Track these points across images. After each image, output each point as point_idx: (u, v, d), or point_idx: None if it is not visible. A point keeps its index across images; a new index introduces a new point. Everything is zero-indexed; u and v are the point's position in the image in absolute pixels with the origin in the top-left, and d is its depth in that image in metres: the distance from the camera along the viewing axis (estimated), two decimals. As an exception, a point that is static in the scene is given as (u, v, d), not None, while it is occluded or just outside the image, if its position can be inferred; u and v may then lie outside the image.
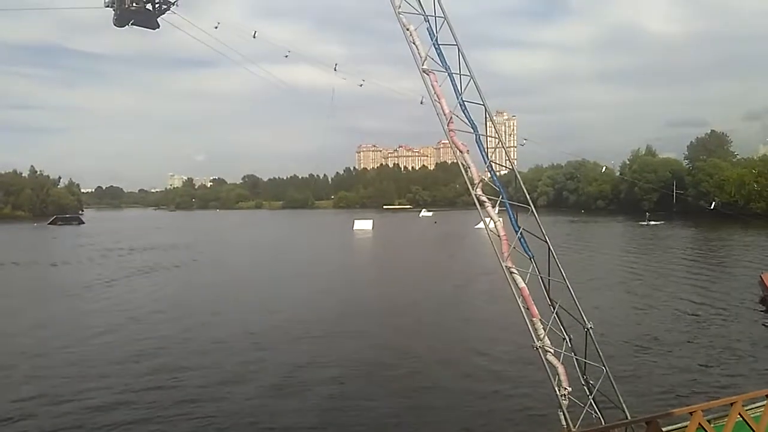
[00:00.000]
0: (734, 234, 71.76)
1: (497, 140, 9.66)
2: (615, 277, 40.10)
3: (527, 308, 8.92)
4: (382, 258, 62.04)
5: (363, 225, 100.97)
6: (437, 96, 9.30)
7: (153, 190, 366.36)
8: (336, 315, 28.76)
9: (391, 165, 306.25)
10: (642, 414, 9.68)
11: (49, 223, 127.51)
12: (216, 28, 13.71)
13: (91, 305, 32.99)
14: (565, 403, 8.82)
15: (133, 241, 77.51)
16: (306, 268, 49.65)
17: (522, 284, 8.96)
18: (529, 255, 9.19)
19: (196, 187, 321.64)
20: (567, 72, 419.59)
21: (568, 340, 9.10)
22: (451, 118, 9.29)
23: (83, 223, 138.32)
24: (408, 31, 9.39)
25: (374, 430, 15.24)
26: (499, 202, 9.28)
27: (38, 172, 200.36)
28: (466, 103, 9.31)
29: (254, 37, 13.75)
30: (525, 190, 9.45)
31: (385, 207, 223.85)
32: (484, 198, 9.17)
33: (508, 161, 10.37)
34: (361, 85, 13.97)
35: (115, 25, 12.87)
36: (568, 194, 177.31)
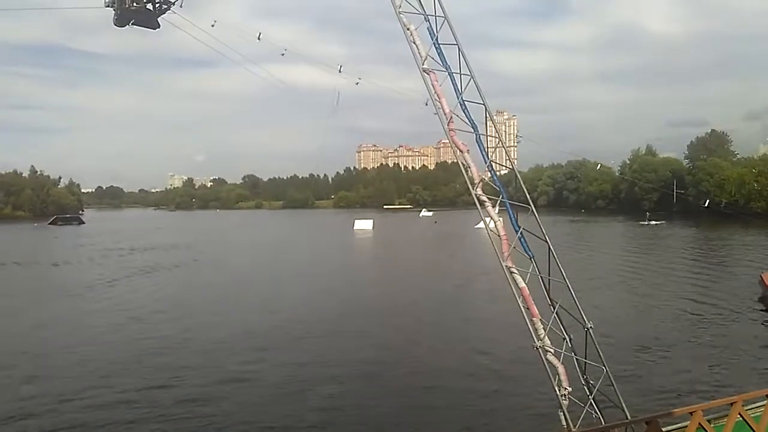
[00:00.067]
0: (734, 233, 71.73)
1: (497, 140, 9.65)
2: (615, 277, 40.10)
3: (527, 308, 8.92)
4: (382, 258, 62.04)
5: (363, 225, 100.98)
6: (437, 95, 9.30)
7: (153, 190, 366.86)
8: (336, 315, 28.77)
9: (391, 165, 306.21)
10: (642, 414, 9.68)
11: (49, 223, 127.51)
12: (213, 26, 13.67)
13: (92, 305, 33.01)
14: (565, 403, 8.82)
15: (134, 241, 77.53)
16: (306, 268, 49.66)
17: (522, 284, 8.96)
18: (529, 255, 9.18)
19: (196, 187, 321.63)
20: (567, 72, 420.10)
21: (568, 340, 9.10)
22: (451, 117, 9.29)
23: (83, 223, 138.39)
24: (408, 31, 9.39)
25: (374, 430, 15.25)
26: (499, 201, 9.28)
27: (38, 173, 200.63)
28: (466, 102, 9.31)
29: (259, 39, 13.68)
30: (525, 190, 9.45)
31: (385, 207, 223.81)
32: (484, 198, 9.17)
33: (508, 161, 10.37)
34: (357, 84, 13.92)
35: (115, 25, 12.85)
36: (568, 194, 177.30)
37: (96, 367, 20.22)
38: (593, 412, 9.09)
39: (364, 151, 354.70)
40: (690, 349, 21.76)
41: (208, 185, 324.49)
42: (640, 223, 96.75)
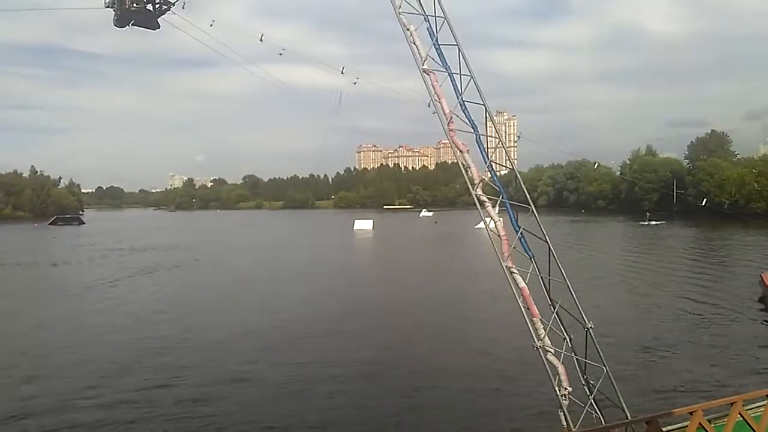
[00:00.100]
0: (734, 234, 71.73)
1: (497, 140, 9.65)
2: (615, 277, 40.10)
3: (527, 308, 8.92)
4: (382, 258, 62.04)
5: (363, 225, 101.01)
6: (437, 96, 9.30)
7: (153, 191, 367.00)
8: (336, 315, 28.77)
9: (391, 165, 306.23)
10: (642, 414, 9.68)
11: (49, 224, 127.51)
12: (211, 25, 13.68)
13: (91, 305, 33.00)
14: (565, 402, 8.82)
15: (134, 242, 77.56)
16: (306, 268, 49.67)
17: (522, 284, 8.96)
18: (529, 255, 9.18)
19: (196, 187, 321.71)
20: (567, 72, 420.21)
21: (568, 340, 9.10)
22: (451, 118, 9.29)
23: (84, 223, 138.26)
24: (408, 31, 9.39)
25: (374, 430, 15.25)
26: (499, 202, 9.28)
27: (39, 173, 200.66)
28: (466, 103, 9.31)
29: (261, 40, 13.67)
30: (525, 190, 9.44)
31: (385, 207, 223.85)
32: (484, 198, 9.17)
33: (508, 161, 10.36)
34: (354, 83, 13.92)
35: (115, 25, 12.87)
36: (568, 194, 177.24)
37: (96, 367, 20.22)
38: (593, 412, 9.08)
39: (364, 151, 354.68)
40: (690, 349, 21.76)
41: (209, 185, 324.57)
42: (640, 223, 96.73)
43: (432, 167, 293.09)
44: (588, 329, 9.00)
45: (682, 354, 21.03)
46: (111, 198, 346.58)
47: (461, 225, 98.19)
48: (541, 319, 8.92)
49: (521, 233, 9.24)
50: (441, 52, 9.30)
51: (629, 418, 8.86)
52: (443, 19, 9.27)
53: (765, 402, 8.44)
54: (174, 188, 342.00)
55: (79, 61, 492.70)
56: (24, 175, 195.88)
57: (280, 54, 13.97)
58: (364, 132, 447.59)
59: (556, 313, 9.02)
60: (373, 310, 30.17)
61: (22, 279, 46.23)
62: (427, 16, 9.33)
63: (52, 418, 15.67)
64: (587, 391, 9.20)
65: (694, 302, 30.24)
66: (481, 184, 9.24)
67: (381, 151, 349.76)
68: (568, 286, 9.17)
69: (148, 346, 22.97)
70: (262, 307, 31.77)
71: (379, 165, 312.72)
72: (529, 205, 9.33)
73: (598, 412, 9.12)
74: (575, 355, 9.08)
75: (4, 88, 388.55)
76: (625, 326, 25.12)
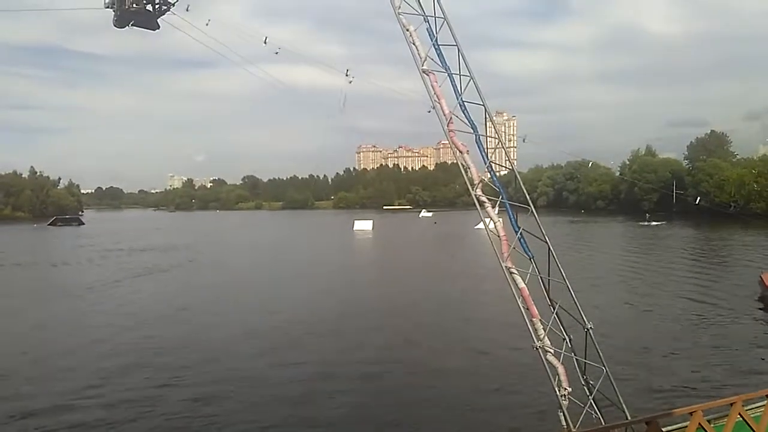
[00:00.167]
0: (734, 234, 71.78)
1: (497, 140, 9.65)
2: (615, 277, 40.11)
3: (527, 308, 8.91)
4: (382, 258, 62.04)
5: (363, 225, 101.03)
6: (437, 96, 9.30)
7: (153, 191, 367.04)
8: (336, 315, 28.77)
9: (391, 165, 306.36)
10: (642, 414, 9.67)
11: (49, 224, 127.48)
12: (207, 24, 13.62)
13: (91, 306, 32.99)
14: (565, 403, 8.82)
15: (133, 242, 77.55)
16: (306, 268, 49.66)
17: (522, 284, 8.95)
18: (529, 255, 9.18)
19: (196, 187, 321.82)
20: (567, 72, 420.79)
21: (568, 340, 9.09)
22: (451, 118, 9.28)
23: (83, 224, 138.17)
24: (408, 32, 9.38)
25: (374, 430, 15.25)
26: (498, 202, 9.27)
27: (38, 173, 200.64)
28: (465, 103, 9.30)
29: (265, 42, 13.60)
30: (525, 191, 9.43)
31: (385, 207, 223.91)
32: (484, 198, 9.16)
33: (507, 161, 10.36)
34: (350, 82, 13.86)
35: (115, 26, 12.86)
36: (568, 194, 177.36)
37: (96, 368, 20.21)
38: (593, 412, 9.08)
39: (363, 151, 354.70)
40: (690, 349, 21.77)
41: (208, 186, 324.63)
42: (640, 223, 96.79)
43: (432, 168, 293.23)
44: (588, 329, 9.00)
45: (682, 354, 21.04)
46: (110, 198, 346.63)
47: (461, 225, 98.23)
48: (540, 320, 8.91)
49: (521, 234, 9.24)
50: (441, 52, 9.29)
51: (629, 418, 8.85)
52: (443, 19, 9.27)
53: (765, 402, 8.43)
54: (173, 189, 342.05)
55: (79, 61, 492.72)
56: (23, 176, 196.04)
57: (276, 53, 13.88)
58: (364, 132, 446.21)
59: (556, 313, 9.02)
60: (372, 311, 30.17)
61: (22, 279, 46.22)
62: (426, 16, 9.32)
63: (52, 418, 15.66)
64: (587, 391, 9.19)
65: (693, 302, 30.26)
66: (480, 184, 9.23)
67: (381, 151, 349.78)
68: (567, 286, 9.16)
69: (148, 346, 22.97)
70: (261, 308, 31.77)
71: (378, 165, 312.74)
72: (529, 206, 9.33)
73: (598, 413, 9.11)
74: (575, 355, 9.08)
75: (4, 88, 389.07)
76: (625, 326, 25.12)
